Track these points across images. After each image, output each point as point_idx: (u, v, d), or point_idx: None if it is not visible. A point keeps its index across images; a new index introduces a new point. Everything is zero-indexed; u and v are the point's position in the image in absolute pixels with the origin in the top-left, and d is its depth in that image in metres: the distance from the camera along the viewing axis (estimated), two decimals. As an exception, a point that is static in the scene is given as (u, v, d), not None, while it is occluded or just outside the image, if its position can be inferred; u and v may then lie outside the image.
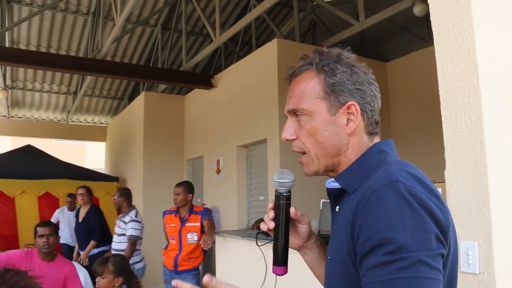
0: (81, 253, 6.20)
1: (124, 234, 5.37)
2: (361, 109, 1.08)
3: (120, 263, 3.19)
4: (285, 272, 1.17)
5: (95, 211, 6.36)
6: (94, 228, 6.14)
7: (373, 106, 1.10)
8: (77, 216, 6.58)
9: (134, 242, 5.30)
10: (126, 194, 5.67)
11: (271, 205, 1.19)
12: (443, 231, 0.90)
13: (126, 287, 3.17)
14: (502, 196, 1.81)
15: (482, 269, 1.80)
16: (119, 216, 5.66)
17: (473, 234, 1.84)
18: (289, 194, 1.16)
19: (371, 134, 1.12)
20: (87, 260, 5.90)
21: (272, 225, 1.16)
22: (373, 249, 0.88)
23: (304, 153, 1.13)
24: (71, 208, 7.28)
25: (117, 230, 5.49)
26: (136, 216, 5.45)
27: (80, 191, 6.40)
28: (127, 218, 5.43)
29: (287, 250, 1.17)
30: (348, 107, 1.07)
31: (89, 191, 6.48)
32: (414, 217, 0.87)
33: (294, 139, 1.13)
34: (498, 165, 1.83)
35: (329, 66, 1.08)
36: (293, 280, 3.14)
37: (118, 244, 5.40)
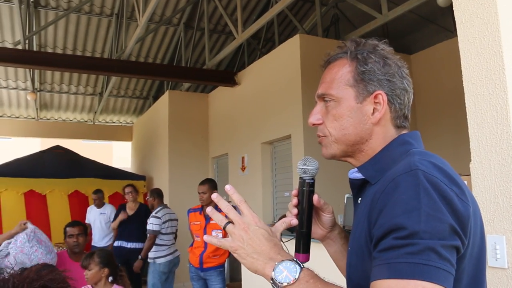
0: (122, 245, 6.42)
1: None
2: (388, 100, 1.08)
3: (104, 255, 3.35)
4: (307, 259, 1.16)
5: (147, 210, 6.51)
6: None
7: (403, 99, 1.09)
8: (124, 211, 6.64)
9: (152, 236, 5.52)
10: (156, 194, 5.97)
11: (295, 191, 1.19)
12: (461, 223, 0.88)
13: (112, 279, 3.33)
14: (530, 188, 1.76)
15: (510, 263, 1.75)
16: None
17: (501, 228, 1.79)
18: (312, 181, 1.16)
19: (398, 127, 1.11)
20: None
21: (294, 219, 1.15)
22: (386, 234, 0.87)
23: (325, 136, 1.14)
24: (98, 205, 7.36)
25: None
26: (157, 213, 5.63)
27: (128, 189, 6.59)
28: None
29: (309, 237, 1.17)
30: (376, 97, 1.07)
31: (135, 189, 6.66)
32: (430, 205, 0.85)
33: (320, 124, 1.14)
34: (526, 156, 1.78)
35: (363, 55, 1.09)
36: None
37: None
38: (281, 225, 1.09)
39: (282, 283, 0.92)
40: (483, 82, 1.89)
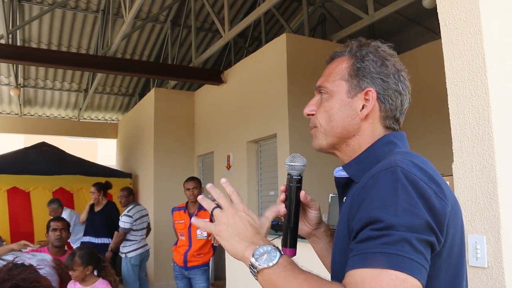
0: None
1: None
2: (378, 98, 1.10)
3: (84, 254, 3.43)
4: (294, 254, 1.18)
5: (113, 207, 6.70)
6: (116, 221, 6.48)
7: (394, 100, 1.11)
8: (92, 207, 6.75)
9: (123, 233, 5.93)
10: (127, 192, 6.39)
11: (283, 187, 1.21)
12: (437, 220, 0.89)
13: (97, 272, 3.47)
14: (510, 189, 1.79)
15: (490, 263, 1.78)
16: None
17: (481, 228, 1.82)
18: (299, 177, 1.18)
19: (387, 128, 1.12)
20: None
21: (282, 206, 1.17)
22: (364, 226, 0.89)
23: (316, 127, 1.17)
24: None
25: None
26: (129, 211, 6.03)
27: (91, 189, 6.68)
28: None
29: (296, 232, 1.20)
30: (366, 93, 1.10)
31: (100, 187, 6.67)
32: (407, 200, 0.87)
33: (312, 115, 1.17)
34: (506, 157, 1.80)
35: (361, 53, 1.12)
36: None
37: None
38: (270, 213, 1.10)
39: (260, 266, 0.92)
40: (465, 83, 1.91)
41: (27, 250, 3.66)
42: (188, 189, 4.97)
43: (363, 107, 1.10)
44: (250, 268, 0.95)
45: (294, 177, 1.18)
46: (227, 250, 1.01)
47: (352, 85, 1.11)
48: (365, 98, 1.10)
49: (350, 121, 1.10)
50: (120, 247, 6.03)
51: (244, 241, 0.98)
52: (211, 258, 5.08)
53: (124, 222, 5.91)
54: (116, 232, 6.30)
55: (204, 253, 4.91)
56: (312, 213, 1.27)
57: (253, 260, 0.93)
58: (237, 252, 0.99)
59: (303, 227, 1.28)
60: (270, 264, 0.92)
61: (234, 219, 1.01)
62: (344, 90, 1.12)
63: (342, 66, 1.14)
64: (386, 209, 0.87)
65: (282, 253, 0.94)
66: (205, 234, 4.85)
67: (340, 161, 1.18)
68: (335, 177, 1.17)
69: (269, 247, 0.95)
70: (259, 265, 0.93)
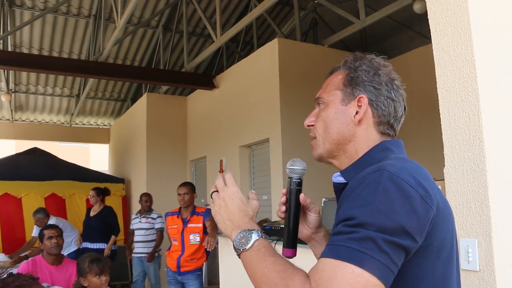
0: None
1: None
2: (371, 105, 1.14)
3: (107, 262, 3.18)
4: (294, 254, 1.22)
5: (110, 211, 6.75)
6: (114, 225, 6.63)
7: (387, 107, 1.15)
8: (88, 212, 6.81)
9: (161, 233, 6.42)
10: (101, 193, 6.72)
11: (284, 190, 1.26)
12: (418, 224, 0.92)
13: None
14: (501, 193, 1.81)
15: (482, 266, 1.80)
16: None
17: (473, 232, 1.84)
18: (299, 181, 1.24)
19: (382, 134, 1.16)
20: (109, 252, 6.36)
21: (283, 208, 1.24)
22: (340, 221, 0.94)
23: (315, 137, 1.22)
24: (41, 225, 6.91)
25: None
26: (155, 212, 6.62)
27: (91, 193, 6.75)
28: None
29: (296, 233, 1.24)
30: (359, 100, 1.14)
31: (100, 192, 6.75)
32: (384, 203, 0.90)
33: (312, 126, 1.23)
34: (497, 162, 1.83)
35: (355, 65, 1.19)
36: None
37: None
38: (251, 193, 1.23)
39: (238, 249, 1.03)
40: (456, 89, 1.94)
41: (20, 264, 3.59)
42: (180, 194, 4.97)
43: (356, 113, 1.14)
44: (234, 250, 1.05)
45: (293, 180, 1.23)
46: (222, 232, 1.14)
47: (346, 94, 1.17)
48: (358, 105, 1.14)
49: (345, 127, 1.15)
50: (150, 248, 6.36)
51: (232, 224, 1.10)
52: (204, 263, 5.07)
53: (161, 222, 6.38)
54: (113, 237, 6.45)
55: (197, 258, 4.91)
56: (312, 216, 1.30)
57: (234, 243, 1.05)
58: (227, 235, 1.11)
59: (303, 230, 1.31)
60: (246, 247, 1.01)
61: (225, 203, 1.13)
62: (339, 99, 1.17)
63: (338, 77, 1.20)
64: (362, 209, 0.91)
65: (259, 236, 1.03)
66: (198, 239, 4.85)
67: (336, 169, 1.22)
68: (334, 182, 1.21)
69: (249, 231, 1.04)
70: (237, 248, 1.04)
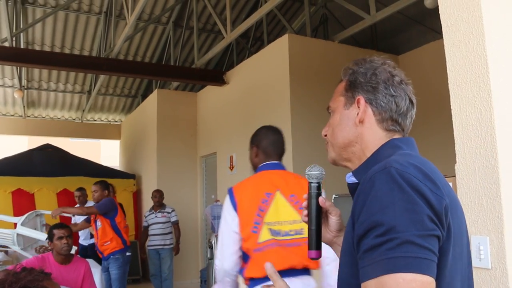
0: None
1: None
2: (370, 103, 1.16)
3: None
4: (319, 255, 1.24)
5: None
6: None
7: (387, 103, 1.15)
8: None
9: (178, 226, 7.10)
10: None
11: (305, 195, 1.28)
12: (437, 214, 0.91)
13: None
14: (513, 190, 1.79)
15: (494, 264, 1.78)
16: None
17: (485, 229, 1.82)
18: (317, 185, 1.27)
19: (388, 130, 1.16)
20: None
21: (305, 212, 1.26)
22: (366, 232, 0.91)
23: (327, 143, 1.28)
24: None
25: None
26: (169, 207, 6.97)
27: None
28: None
29: (319, 235, 1.26)
30: (357, 101, 1.17)
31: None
32: (404, 199, 0.89)
33: (326, 135, 1.28)
34: (509, 158, 1.80)
35: (354, 69, 1.22)
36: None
37: None
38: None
39: None
40: (467, 84, 1.91)
41: (30, 257, 3.61)
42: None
43: (357, 114, 1.17)
44: None
45: (312, 184, 1.27)
46: None
47: (348, 98, 1.21)
48: (357, 106, 1.17)
49: (349, 130, 1.19)
50: (167, 240, 6.77)
51: None
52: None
53: (176, 216, 6.91)
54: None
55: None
56: (333, 219, 1.31)
57: None
58: None
59: (325, 233, 1.32)
60: None
61: None
62: (342, 104, 1.22)
63: (342, 85, 1.25)
64: (384, 212, 0.89)
65: None
66: None
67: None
68: (348, 183, 1.22)
69: None
70: None
